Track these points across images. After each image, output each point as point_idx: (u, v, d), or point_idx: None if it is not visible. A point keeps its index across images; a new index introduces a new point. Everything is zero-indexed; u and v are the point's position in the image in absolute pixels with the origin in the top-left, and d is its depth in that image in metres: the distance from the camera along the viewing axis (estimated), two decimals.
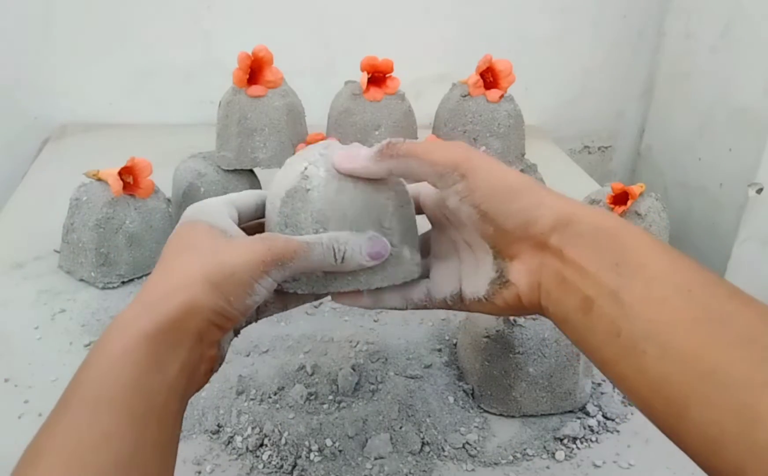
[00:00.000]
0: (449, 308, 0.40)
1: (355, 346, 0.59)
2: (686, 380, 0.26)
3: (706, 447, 0.26)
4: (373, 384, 0.55)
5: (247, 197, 0.40)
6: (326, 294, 0.39)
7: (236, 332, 0.38)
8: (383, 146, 0.35)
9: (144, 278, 0.68)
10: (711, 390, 0.26)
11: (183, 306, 0.31)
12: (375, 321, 0.63)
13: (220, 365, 0.36)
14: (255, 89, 0.71)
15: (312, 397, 0.53)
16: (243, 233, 0.36)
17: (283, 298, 0.40)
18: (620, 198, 0.69)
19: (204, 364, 0.33)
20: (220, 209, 0.37)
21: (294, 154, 0.64)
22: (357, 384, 0.54)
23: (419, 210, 0.42)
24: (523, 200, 0.33)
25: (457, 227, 0.40)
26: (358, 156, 0.36)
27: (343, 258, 0.35)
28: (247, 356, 0.57)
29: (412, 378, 0.56)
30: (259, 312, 0.40)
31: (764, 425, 0.24)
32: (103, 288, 0.66)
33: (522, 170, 0.79)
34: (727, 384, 0.25)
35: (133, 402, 0.28)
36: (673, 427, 0.27)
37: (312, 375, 0.55)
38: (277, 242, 0.34)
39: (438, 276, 0.40)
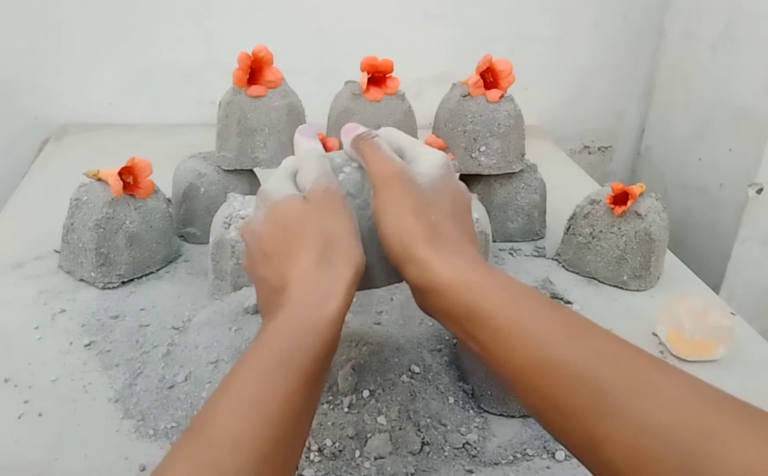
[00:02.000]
0: None
1: (355, 346, 0.59)
2: (543, 410, 0.33)
3: (578, 459, 0.33)
4: (373, 383, 0.55)
5: None
6: None
7: None
8: (359, 135, 0.43)
9: (144, 278, 0.68)
10: (561, 419, 0.32)
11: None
12: (376, 324, 0.63)
13: None
14: (255, 89, 0.71)
15: None
16: None
17: None
18: (620, 198, 0.69)
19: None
20: None
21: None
22: (357, 384, 0.54)
23: None
24: (398, 253, 0.38)
25: None
26: (350, 135, 0.44)
27: None
28: None
29: (412, 378, 0.56)
30: None
31: (604, 448, 0.30)
32: (103, 288, 0.66)
33: (522, 171, 0.79)
34: (572, 415, 0.31)
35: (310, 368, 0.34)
36: (554, 438, 0.35)
37: None
38: None
39: None
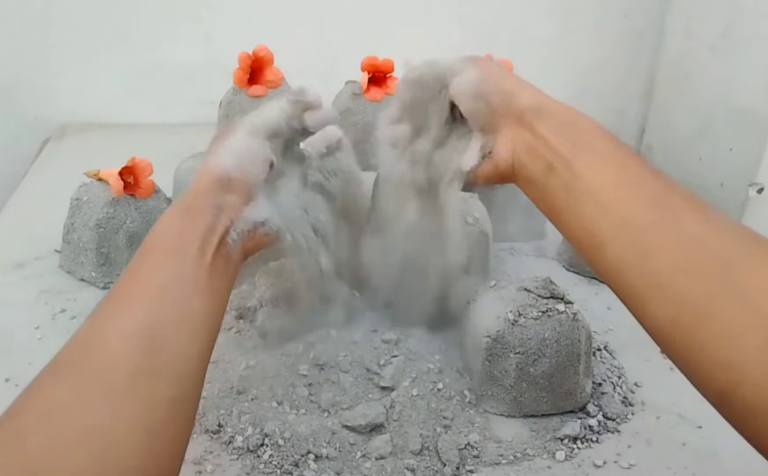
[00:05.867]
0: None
1: (357, 346, 0.59)
2: (606, 224, 0.36)
3: (615, 276, 0.36)
4: (373, 384, 0.55)
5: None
6: None
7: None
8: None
9: None
10: (620, 232, 0.35)
11: (199, 186, 0.43)
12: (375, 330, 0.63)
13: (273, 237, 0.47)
14: (255, 89, 0.71)
15: (312, 397, 0.53)
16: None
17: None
18: None
19: (227, 232, 0.43)
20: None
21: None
22: (358, 384, 0.54)
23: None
24: (508, 84, 0.44)
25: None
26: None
27: None
28: (248, 356, 0.57)
29: (412, 378, 0.56)
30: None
31: (654, 257, 0.33)
32: (104, 288, 0.66)
33: None
34: (632, 227, 0.35)
35: (172, 247, 0.39)
36: (594, 260, 0.38)
37: (313, 375, 0.55)
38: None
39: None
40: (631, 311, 0.35)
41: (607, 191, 0.37)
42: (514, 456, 0.49)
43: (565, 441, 0.51)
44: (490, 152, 0.46)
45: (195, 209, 0.42)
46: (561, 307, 0.52)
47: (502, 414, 0.53)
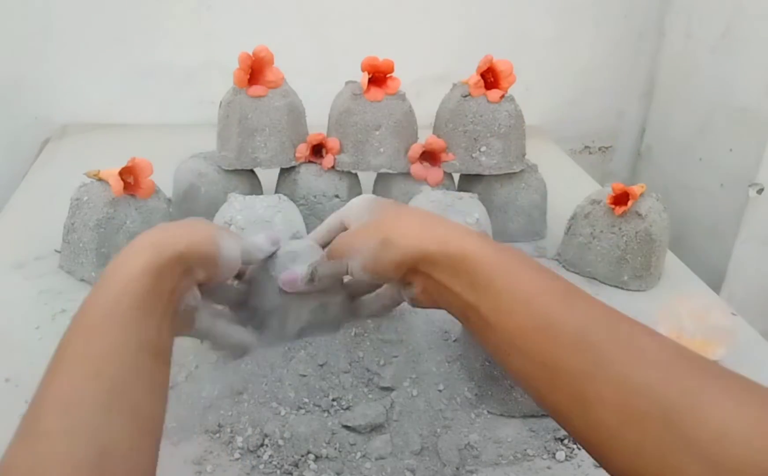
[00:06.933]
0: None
1: (357, 346, 0.59)
2: (535, 373, 0.34)
3: (565, 424, 0.34)
4: (373, 384, 0.55)
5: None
6: None
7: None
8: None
9: None
10: (552, 382, 0.33)
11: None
12: (376, 326, 0.63)
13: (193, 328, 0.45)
14: (256, 89, 0.71)
15: (312, 397, 0.53)
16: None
17: None
18: (621, 198, 0.69)
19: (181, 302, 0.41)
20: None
21: (294, 154, 0.67)
22: (357, 384, 0.54)
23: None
24: (390, 252, 0.41)
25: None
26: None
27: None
28: (248, 356, 0.57)
29: (412, 378, 0.56)
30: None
31: (594, 409, 0.31)
32: None
33: (522, 171, 0.79)
34: (562, 375, 0.33)
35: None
36: (541, 406, 0.35)
37: (313, 375, 0.55)
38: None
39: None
40: None
41: (523, 339, 0.35)
42: (514, 456, 0.50)
43: (565, 441, 0.51)
44: (416, 304, 0.44)
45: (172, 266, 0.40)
46: None
47: (502, 414, 0.53)
